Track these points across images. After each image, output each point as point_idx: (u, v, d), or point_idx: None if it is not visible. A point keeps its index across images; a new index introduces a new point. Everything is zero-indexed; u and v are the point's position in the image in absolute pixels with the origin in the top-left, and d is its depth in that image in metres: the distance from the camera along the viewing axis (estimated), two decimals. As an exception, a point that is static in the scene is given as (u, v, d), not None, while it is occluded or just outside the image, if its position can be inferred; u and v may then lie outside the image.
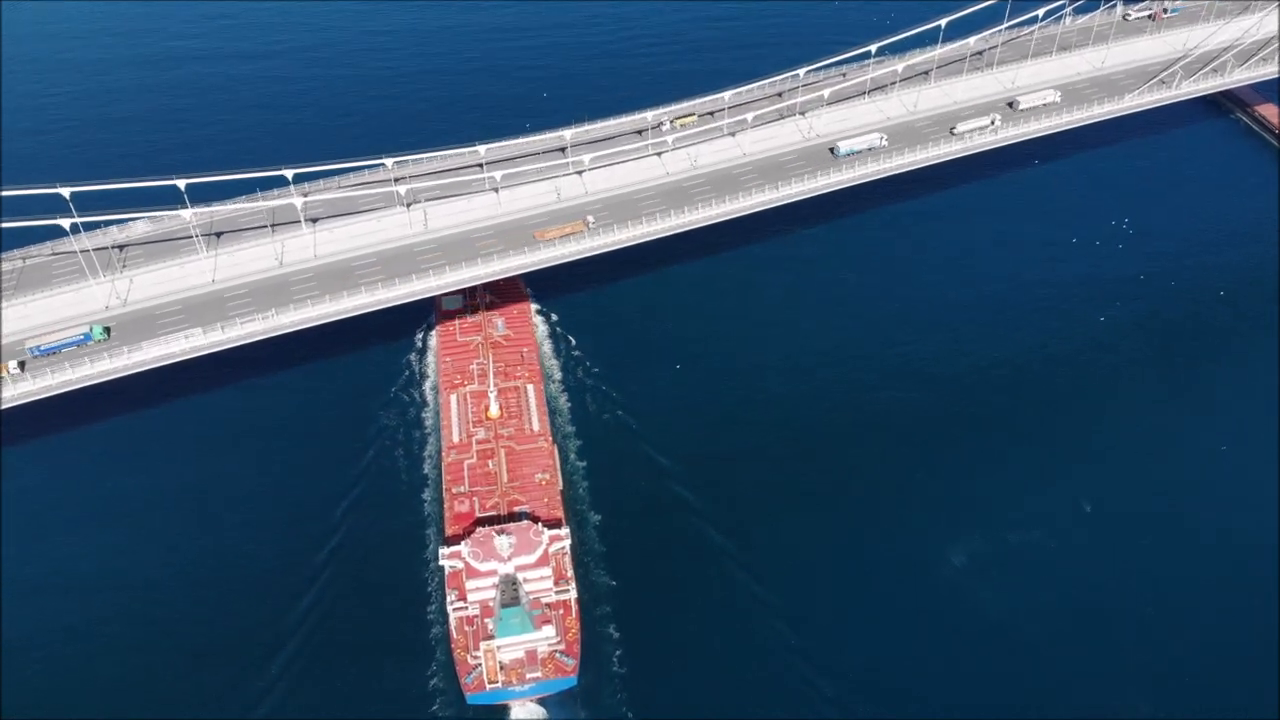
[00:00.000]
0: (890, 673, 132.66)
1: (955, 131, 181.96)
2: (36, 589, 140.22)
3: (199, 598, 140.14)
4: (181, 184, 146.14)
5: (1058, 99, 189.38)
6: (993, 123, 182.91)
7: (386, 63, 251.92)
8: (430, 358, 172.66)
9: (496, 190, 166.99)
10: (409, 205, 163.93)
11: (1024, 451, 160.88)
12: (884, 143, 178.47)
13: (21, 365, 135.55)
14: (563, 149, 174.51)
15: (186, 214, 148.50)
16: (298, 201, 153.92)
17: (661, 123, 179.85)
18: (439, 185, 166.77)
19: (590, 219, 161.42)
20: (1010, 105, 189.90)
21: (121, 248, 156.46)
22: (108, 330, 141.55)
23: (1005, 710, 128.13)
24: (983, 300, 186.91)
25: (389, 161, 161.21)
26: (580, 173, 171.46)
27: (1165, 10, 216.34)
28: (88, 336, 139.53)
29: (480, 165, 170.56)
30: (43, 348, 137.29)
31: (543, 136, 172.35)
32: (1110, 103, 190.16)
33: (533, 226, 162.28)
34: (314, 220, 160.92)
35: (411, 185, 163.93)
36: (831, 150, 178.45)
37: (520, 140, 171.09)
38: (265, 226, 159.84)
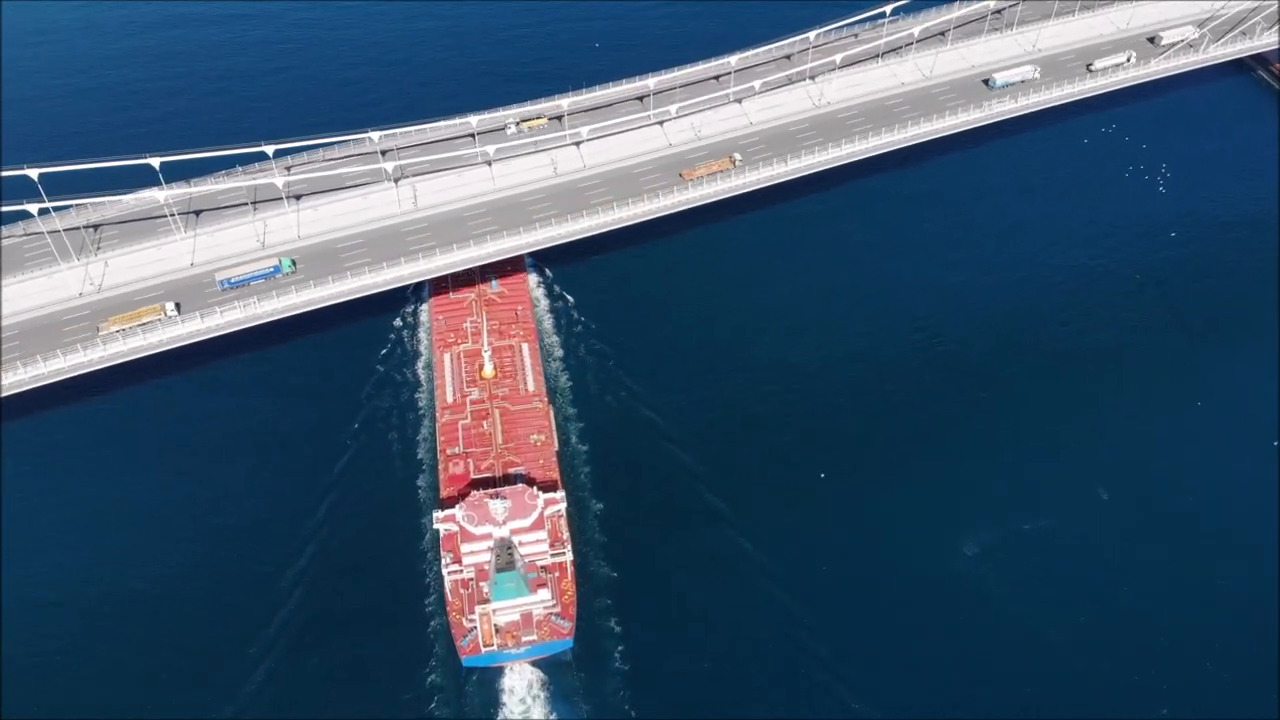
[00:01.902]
0: (890, 651, 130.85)
1: (1093, 68, 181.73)
2: (28, 582, 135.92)
3: (192, 564, 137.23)
4: (155, 162, 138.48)
5: (1196, 34, 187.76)
6: (1129, 59, 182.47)
7: (371, 26, 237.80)
8: (423, 315, 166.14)
9: (490, 164, 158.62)
10: (397, 181, 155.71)
11: (1039, 436, 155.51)
12: (1037, 74, 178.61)
13: (178, 307, 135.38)
14: (559, 118, 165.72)
15: (161, 195, 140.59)
16: (279, 181, 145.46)
17: (506, 125, 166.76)
18: (430, 160, 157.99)
19: (737, 156, 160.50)
20: (1151, 41, 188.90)
21: (96, 227, 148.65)
22: (294, 263, 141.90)
23: (1015, 707, 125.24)
24: (995, 277, 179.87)
25: (375, 135, 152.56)
26: (578, 144, 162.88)
27: None
28: (277, 269, 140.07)
29: (472, 136, 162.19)
30: (233, 280, 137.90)
31: (538, 105, 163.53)
32: (1136, 68, 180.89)
33: (528, 202, 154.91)
34: (297, 197, 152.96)
35: (400, 161, 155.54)
36: (986, 82, 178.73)
37: (513, 110, 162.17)
38: (246, 204, 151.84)
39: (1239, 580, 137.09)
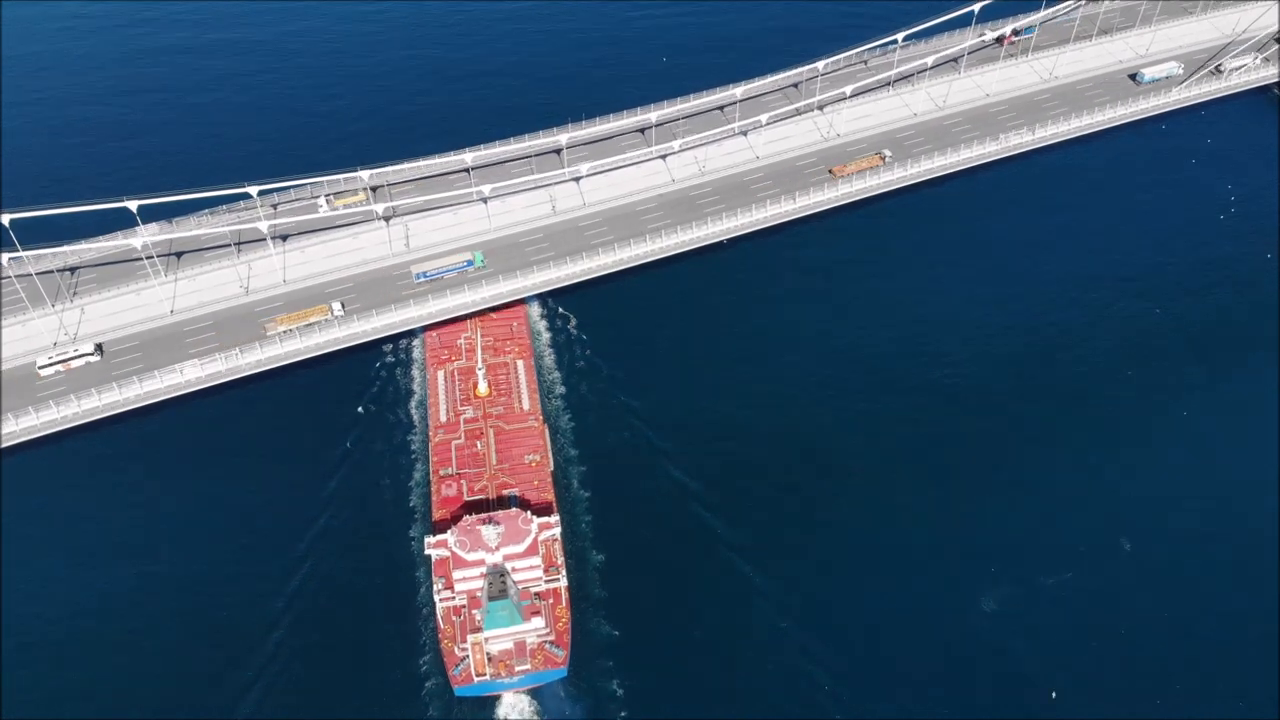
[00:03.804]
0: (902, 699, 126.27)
1: (1222, 69, 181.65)
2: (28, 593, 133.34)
3: (182, 589, 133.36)
4: (133, 205, 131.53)
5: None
6: (1255, 60, 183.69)
7: (361, 58, 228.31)
8: (417, 331, 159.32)
9: (485, 202, 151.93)
10: (388, 220, 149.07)
11: (1059, 478, 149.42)
12: (1180, 70, 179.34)
13: (343, 305, 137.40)
14: (557, 151, 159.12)
15: (138, 242, 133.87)
16: (264, 225, 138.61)
17: (319, 198, 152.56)
18: (423, 199, 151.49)
19: (888, 153, 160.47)
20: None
21: (72, 270, 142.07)
22: (484, 257, 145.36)
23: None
24: (1013, 308, 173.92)
25: (365, 173, 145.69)
26: (577, 180, 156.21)
27: (1016, 33, 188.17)
28: (470, 263, 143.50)
29: (467, 171, 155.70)
30: (429, 273, 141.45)
31: (535, 141, 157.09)
32: (1156, 97, 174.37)
33: (526, 243, 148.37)
34: (283, 238, 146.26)
35: (393, 201, 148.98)
36: (1133, 77, 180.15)
37: (510, 146, 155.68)
38: (229, 245, 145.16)
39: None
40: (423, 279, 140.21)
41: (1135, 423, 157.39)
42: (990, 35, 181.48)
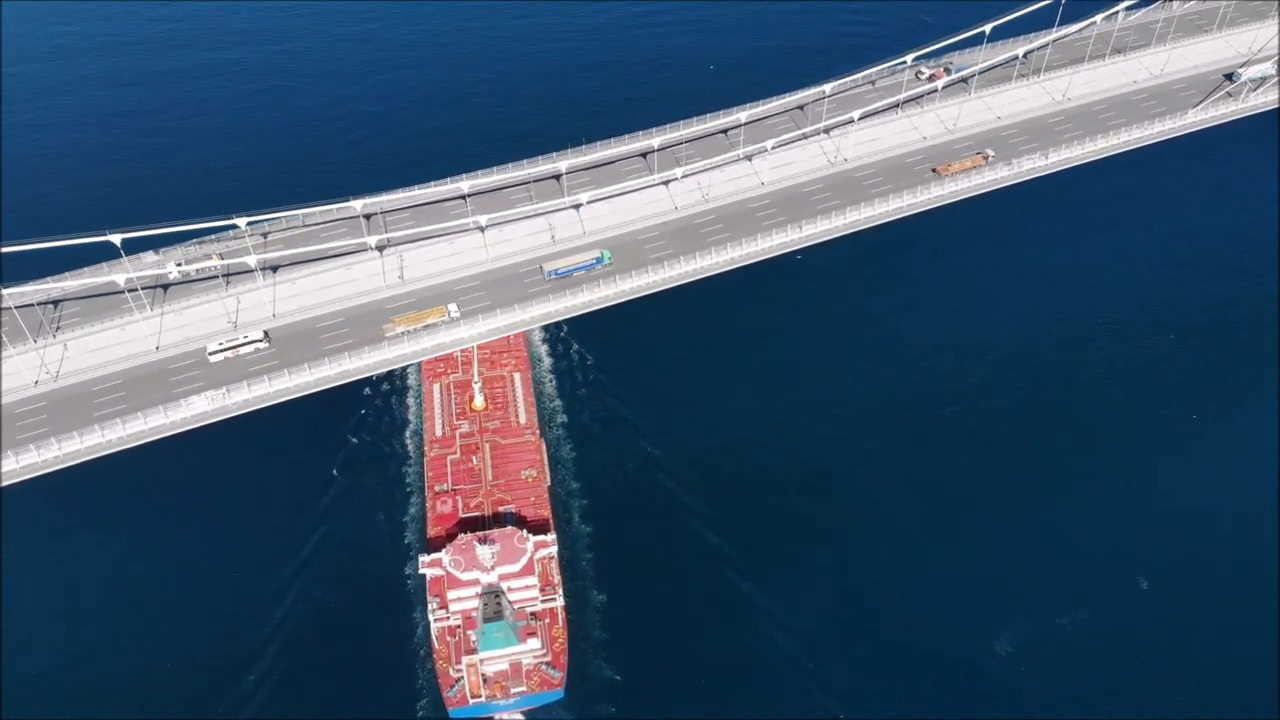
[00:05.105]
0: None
1: None
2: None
3: (172, 605, 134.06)
4: (117, 239, 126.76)
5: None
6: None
7: (355, 82, 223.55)
8: None
9: (482, 231, 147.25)
10: (382, 250, 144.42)
11: (1073, 511, 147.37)
12: (1274, 70, 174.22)
13: (458, 307, 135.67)
14: (557, 178, 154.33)
15: (121, 278, 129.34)
16: (253, 259, 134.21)
17: (168, 266, 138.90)
18: (419, 230, 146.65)
19: (990, 152, 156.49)
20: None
21: (56, 303, 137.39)
22: (611, 255, 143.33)
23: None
24: (1025, 338, 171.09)
25: (358, 203, 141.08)
26: (577, 207, 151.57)
27: (946, 70, 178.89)
28: (598, 260, 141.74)
29: (463, 199, 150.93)
30: (559, 270, 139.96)
31: (534, 168, 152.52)
32: (1171, 119, 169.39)
33: (524, 274, 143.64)
34: (273, 269, 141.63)
35: (388, 233, 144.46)
36: (1229, 77, 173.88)
37: (508, 173, 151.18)
38: (217, 278, 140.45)
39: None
40: (554, 276, 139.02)
41: (1149, 456, 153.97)
42: (925, 73, 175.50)
